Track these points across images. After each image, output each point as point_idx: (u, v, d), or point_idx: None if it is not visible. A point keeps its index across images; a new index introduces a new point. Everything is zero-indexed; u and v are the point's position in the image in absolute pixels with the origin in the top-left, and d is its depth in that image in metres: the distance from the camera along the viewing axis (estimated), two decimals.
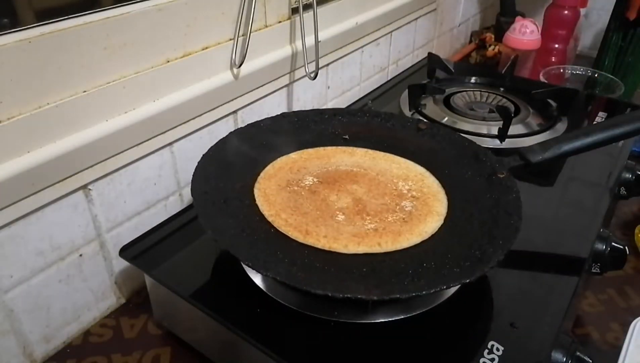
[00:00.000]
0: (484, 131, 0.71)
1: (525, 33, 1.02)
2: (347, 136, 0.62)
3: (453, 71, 0.85)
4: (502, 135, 0.68)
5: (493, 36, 1.19)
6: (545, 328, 0.41)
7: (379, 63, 0.92)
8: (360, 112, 0.66)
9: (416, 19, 0.98)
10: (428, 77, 0.86)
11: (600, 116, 0.77)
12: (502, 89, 0.84)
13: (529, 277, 0.47)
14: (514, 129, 0.70)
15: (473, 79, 0.87)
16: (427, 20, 1.03)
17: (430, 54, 0.87)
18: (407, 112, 0.77)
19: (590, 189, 0.60)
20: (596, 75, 0.99)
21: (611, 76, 0.96)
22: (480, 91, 0.83)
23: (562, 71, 1.00)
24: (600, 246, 0.52)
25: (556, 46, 1.07)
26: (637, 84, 1.05)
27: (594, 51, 1.14)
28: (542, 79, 0.95)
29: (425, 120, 0.70)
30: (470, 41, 1.26)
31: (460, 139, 0.59)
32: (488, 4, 1.30)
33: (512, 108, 0.76)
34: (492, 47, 1.16)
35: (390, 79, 0.92)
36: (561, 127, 0.73)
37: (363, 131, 0.62)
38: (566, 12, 1.04)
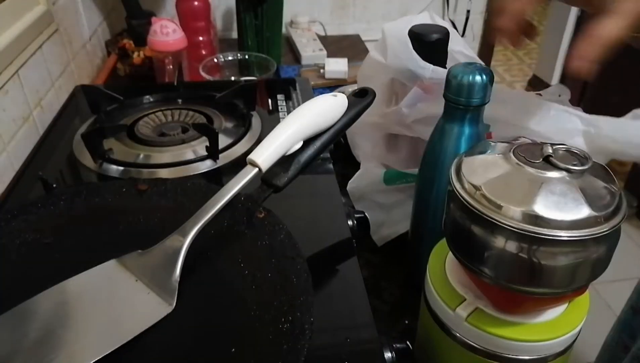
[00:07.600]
0: (192, 156, 0.63)
1: (169, 34, 0.95)
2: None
3: (122, 98, 0.73)
4: (213, 152, 0.63)
5: (132, 42, 1.08)
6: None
7: (19, 114, 0.71)
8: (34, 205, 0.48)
9: (40, 46, 0.78)
10: (94, 113, 0.71)
11: (280, 100, 0.79)
12: (179, 101, 0.77)
13: None
14: None
15: (146, 99, 0.77)
16: (54, 44, 0.84)
17: (84, 86, 0.72)
18: (92, 165, 0.62)
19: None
20: (247, 56, 1.03)
21: (261, 55, 1.02)
22: (161, 110, 0.73)
23: (216, 61, 1.00)
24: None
25: (200, 38, 1.05)
26: (280, 56, 1.14)
27: (230, 32, 1.18)
28: (202, 74, 0.93)
29: (141, 179, 0.54)
30: (109, 53, 1.12)
31: (199, 185, 0.50)
32: (109, 7, 1.17)
33: (205, 119, 0.71)
34: (137, 53, 1.06)
35: (47, 129, 0.73)
36: (257, 123, 0.72)
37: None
38: (196, 3, 1.02)
